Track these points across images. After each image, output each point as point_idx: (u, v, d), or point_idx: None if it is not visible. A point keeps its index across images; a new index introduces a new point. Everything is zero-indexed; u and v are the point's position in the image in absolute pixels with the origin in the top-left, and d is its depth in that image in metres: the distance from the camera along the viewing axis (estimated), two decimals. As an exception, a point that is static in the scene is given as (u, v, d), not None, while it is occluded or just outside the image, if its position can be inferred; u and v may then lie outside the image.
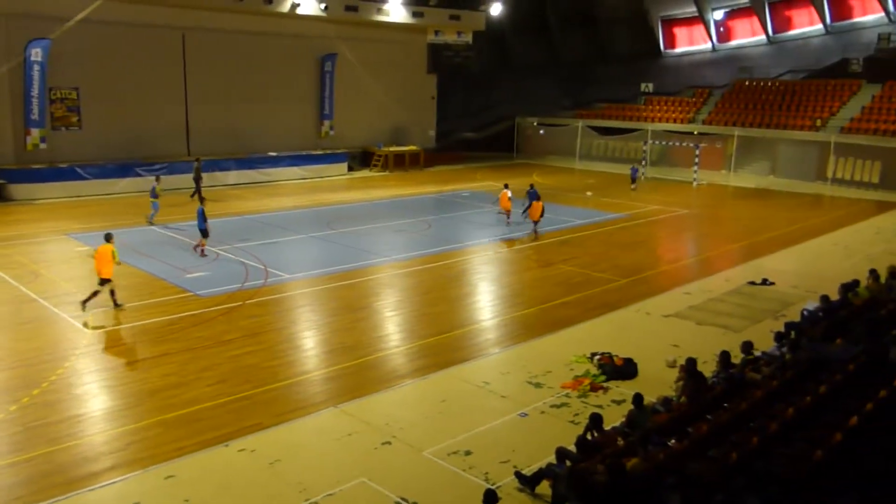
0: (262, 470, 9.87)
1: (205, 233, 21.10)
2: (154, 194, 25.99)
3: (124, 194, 31.44)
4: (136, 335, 14.86)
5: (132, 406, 11.75)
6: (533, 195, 25.97)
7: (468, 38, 45.29)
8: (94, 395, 12.25)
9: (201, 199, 23.52)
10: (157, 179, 27.19)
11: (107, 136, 33.05)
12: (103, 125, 33.06)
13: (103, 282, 16.11)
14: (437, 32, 44.45)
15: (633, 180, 37.05)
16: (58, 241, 22.86)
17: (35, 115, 30.38)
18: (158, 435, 10.78)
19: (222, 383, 12.63)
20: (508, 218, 27.14)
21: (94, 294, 16.06)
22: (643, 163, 42.08)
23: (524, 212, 26.40)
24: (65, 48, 30.37)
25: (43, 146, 30.87)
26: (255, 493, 9.29)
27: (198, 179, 30.91)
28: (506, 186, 27.43)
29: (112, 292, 16.29)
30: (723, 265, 22.03)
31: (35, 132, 30.59)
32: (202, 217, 21.02)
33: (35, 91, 30.12)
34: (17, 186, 29.62)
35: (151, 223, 25.55)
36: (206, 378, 12.83)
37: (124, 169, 32.42)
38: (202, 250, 21.27)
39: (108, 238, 16.42)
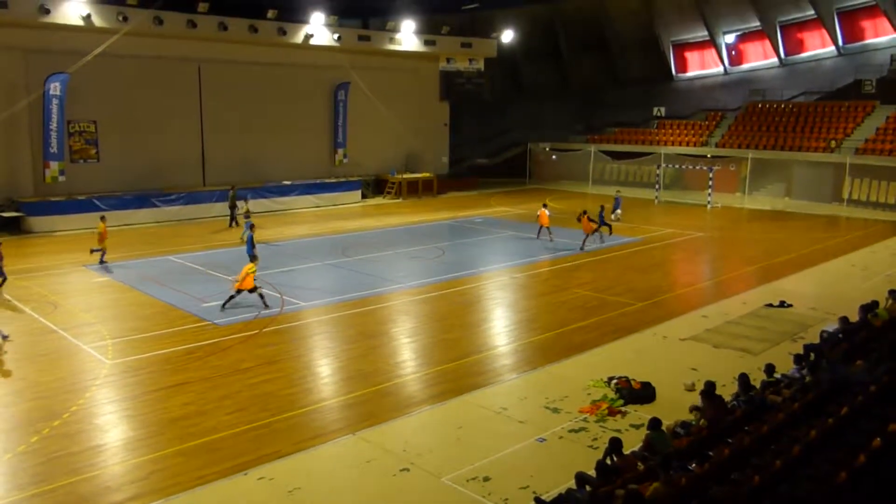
0: (281, 498, 9.87)
1: (252, 258, 21.74)
2: (247, 215, 28.45)
3: (142, 225, 31.80)
4: (155, 364, 14.95)
5: (153, 435, 11.80)
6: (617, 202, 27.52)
7: (480, 65, 45.76)
8: (114, 424, 12.32)
9: (250, 224, 24.60)
10: (246, 200, 29.55)
11: (124, 167, 33.52)
12: (121, 157, 33.55)
13: (247, 291, 18.72)
14: (449, 60, 44.97)
15: (614, 209, 34.10)
16: (76, 272, 23.11)
17: (54, 149, 30.86)
18: (179, 464, 10.82)
19: (241, 411, 12.67)
20: (550, 234, 28.16)
21: (231, 299, 18.66)
22: (657, 187, 42.10)
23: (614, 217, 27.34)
24: (83, 82, 30.94)
25: (62, 179, 31.31)
26: (274, 522, 9.29)
27: (233, 207, 31.62)
28: (545, 206, 28.88)
29: (261, 296, 18.93)
30: (739, 288, 21.93)
31: (54, 165, 31.05)
32: (251, 243, 22.20)
33: (53, 124, 30.62)
34: (37, 219, 30.03)
35: (243, 238, 26.06)
36: (224, 406, 12.88)
37: (141, 200, 32.83)
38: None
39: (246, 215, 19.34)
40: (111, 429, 12.14)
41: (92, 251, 23.96)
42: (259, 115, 38.24)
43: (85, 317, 18.11)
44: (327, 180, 40.63)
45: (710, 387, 11.36)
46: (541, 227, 28.40)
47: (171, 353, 15.60)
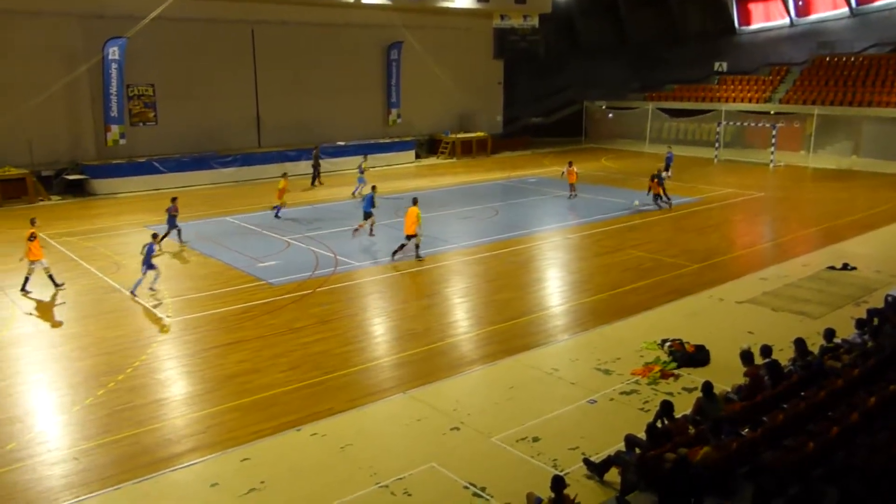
0: (333, 454, 10.09)
1: (366, 215, 22.45)
2: (361, 170, 29.37)
3: (199, 186, 32.44)
4: (212, 322, 15.34)
5: (210, 391, 12.17)
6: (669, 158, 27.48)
7: (534, 21, 44.78)
8: (174, 380, 12.73)
9: (319, 182, 27.04)
10: (365, 158, 30.43)
11: (181, 130, 34.13)
12: (178, 120, 34.13)
13: (409, 238, 19.60)
14: (502, 17, 44.13)
15: (667, 167, 33.55)
16: (137, 233, 23.72)
17: (114, 112, 31.55)
18: (235, 419, 11.14)
19: (294, 369, 12.95)
20: (573, 192, 28.84)
21: (402, 247, 19.80)
22: (717, 145, 41.00)
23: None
24: (140, 46, 31.41)
25: (122, 142, 32.07)
26: (327, 477, 9.51)
27: (316, 166, 32.71)
28: (570, 164, 29.27)
29: (416, 247, 19.90)
30: (800, 249, 21.32)
31: (115, 128, 31.78)
32: (370, 201, 22.54)
33: (114, 89, 31.27)
34: (99, 181, 30.87)
35: (354, 195, 28.83)
36: (279, 364, 13.17)
37: (199, 162, 33.43)
38: (371, 230, 22.66)
39: (415, 201, 20.16)
40: (171, 384, 12.55)
41: (273, 208, 25.59)
42: (312, 77, 38.36)
43: (147, 276, 18.61)
44: (381, 141, 40.69)
45: (765, 351, 11.13)
46: (571, 184, 28.96)
47: (228, 311, 15.98)
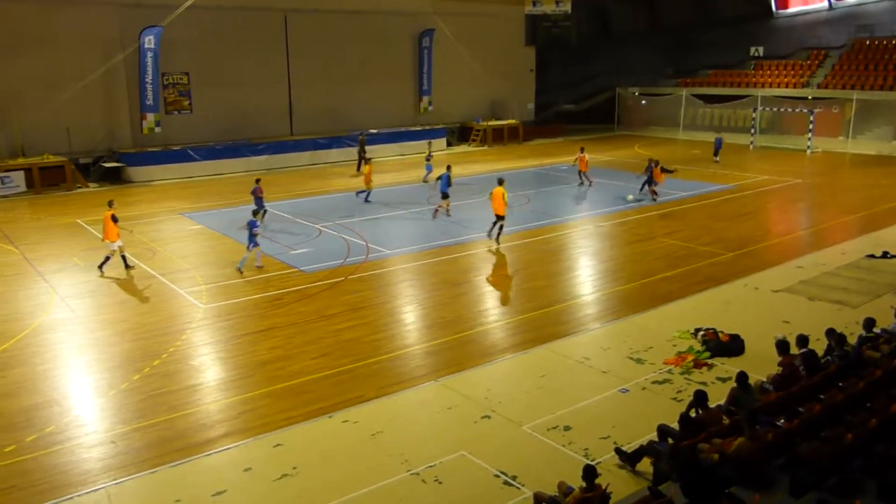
0: (364, 441, 10.15)
1: (444, 195, 23.34)
2: (428, 157, 30.34)
3: (232, 174, 32.73)
4: (245, 309, 15.49)
5: (243, 377, 12.29)
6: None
7: (567, 7, 44.39)
8: (208, 366, 12.89)
9: (361, 167, 27.06)
10: (430, 144, 31.24)
11: (215, 118, 34.45)
12: (212, 108, 34.46)
13: (498, 218, 19.95)
14: (534, 3, 43.84)
15: (716, 152, 34.94)
16: (172, 220, 24.06)
17: (150, 101, 31.92)
18: (267, 405, 11.25)
19: (326, 356, 13.03)
20: (581, 179, 29.12)
21: (494, 225, 20.10)
22: (752, 131, 40.32)
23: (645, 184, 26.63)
24: (175, 35, 31.69)
25: (157, 130, 32.45)
26: (358, 463, 9.56)
27: (361, 152, 33.06)
28: (582, 150, 29.39)
29: (500, 228, 20.12)
30: (839, 237, 20.92)
31: (150, 117, 32.16)
32: (447, 181, 23.35)
33: (149, 77, 31.62)
34: (135, 169, 31.31)
35: (425, 181, 29.63)
36: (310, 351, 13.27)
37: (232, 150, 33.74)
38: (447, 211, 23.56)
39: (500, 182, 20.45)
40: (205, 370, 12.70)
41: (359, 193, 26.49)
42: (344, 64, 38.45)
43: (181, 263, 18.89)
44: (412, 128, 40.69)
45: (802, 341, 10.93)
46: (580, 171, 28.98)
47: (260, 298, 16.12)
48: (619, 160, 32.48)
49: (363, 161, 32.92)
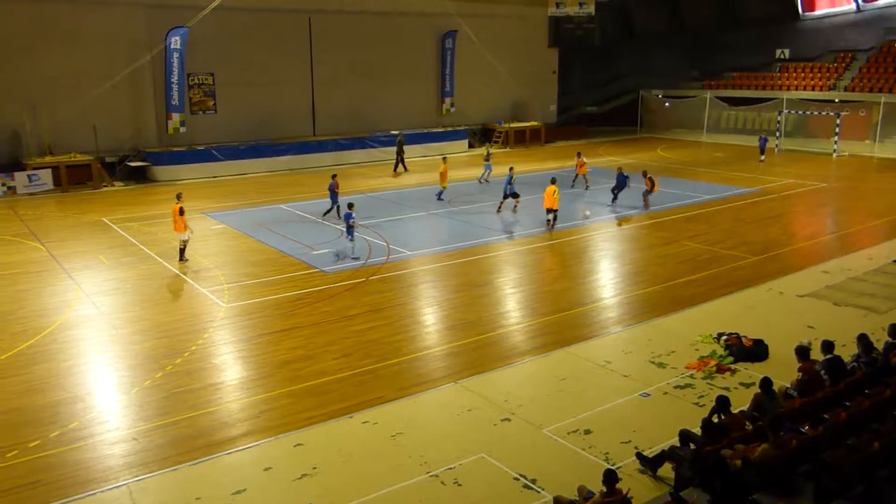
0: (384, 442, 10.15)
1: (514, 195, 24.22)
2: (487, 156, 30.61)
3: (255, 174, 32.95)
4: (266, 309, 15.57)
5: (264, 376, 12.35)
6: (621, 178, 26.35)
7: (590, 9, 44.20)
8: (230, 365, 12.96)
9: (404, 168, 28.21)
10: (489, 145, 31.48)
11: (239, 118, 34.71)
12: (236, 108, 34.71)
13: (549, 211, 22.07)
14: (558, 5, 43.69)
15: (762, 151, 36.18)
16: (196, 219, 24.17)
17: (175, 101, 32.22)
18: (288, 405, 11.30)
19: (347, 357, 13.05)
20: (576, 182, 29.28)
21: (550, 220, 22.21)
22: (777, 135, 39.90)
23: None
24: (201, 35, 31.96)
25: (183, 130, 32.76)
26: (378, 464, 9.57)
27: (400, 153, 33.59)
28: (579, 155, 29.67)
29: (552, 220, 22.22)
30: (865, 242, 20.63)
31: (175, 116, 32.46)
32: (508, 181, 24.09)
33: (175, 77, 31.92)
34: (160, 168, 31.61)
35: (487, 181, 30.07)
36: (331, 352, 13.30)
37: (255, 150, 33.97)
38: (515, 207, 24.53)
39: (553, 181, 22.47)
40: (227, 368, 12.78)
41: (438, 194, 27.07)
42: (367, 66, 38.56)
43: (203, 262, 19.02)
44: (434, 130, 40.73)
45: (827, 347, 10.78)
46: (576, 175, 29.11)
47: (282, 298, 16.19)
48: (642, 163, 32.26)
49: (401, 161, 33.73)
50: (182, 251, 18.92)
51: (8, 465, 9.58)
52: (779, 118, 40.56)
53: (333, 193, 23.31)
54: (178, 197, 19.16)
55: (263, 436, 10.36)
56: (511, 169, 25.12)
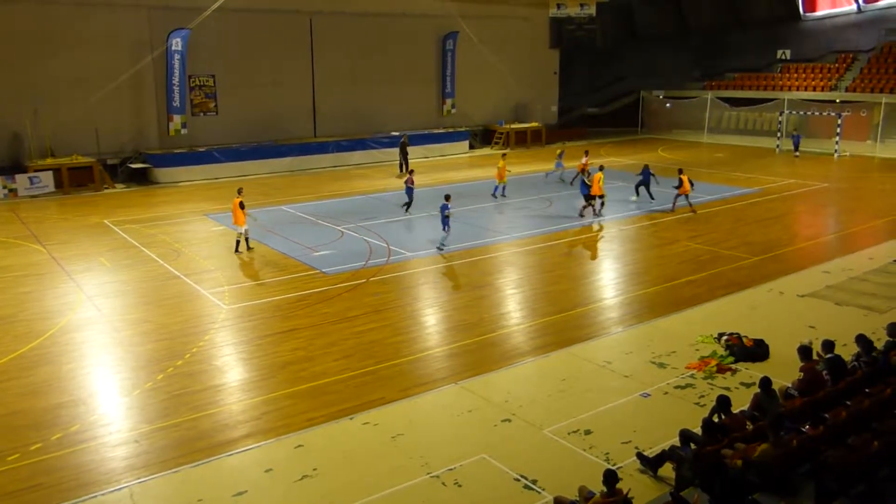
0: (385, 443, 10.16)
1: (588, 197, 23.96)
2: (560, 155, 31.54)
3: (256, 176, 32.97)
4: (267, 310, 15.59)
5: (265, 378, 12.37)
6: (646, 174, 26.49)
7: (591, 10, 44.14)
8: (231, 366, 12.98)
9: (409, 170, 27.31)
10: (563, 144, 32.34)
11: (240, 120, 34.75)
12: (237, 110, 34.76)
13: (597, 197, 23.65)
14: (559, 6, 43.61)
15: (796, 147, 37.79)
16: (197, 221, 24.27)
17: (176, 102, 32.25)
18: (289, 406, 11.31)
19: (347, 358, 13.07)
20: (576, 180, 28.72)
21: (595, 206, 23.69)
22: (778, 135, 39.90)
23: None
24: (202, 37, 32.02)
25: (184, 131, 32.78)
26: (378, 465, 9.58)
27: (405, 154, 33.71)
28: (586, 153, 29.10)
29: (602, 204, 23.91)
30: (866, 242, 20.62)
31: (177, 118, 32.50)
32: (584, 184, 24.23)
33: (176, 79, 31.95)
34: (161, 170, 31.63)
35: (561, 180, 30.58)
36: (332, 353, 13.31)
37: (256, 151, 33.99)
38: (591, 209, 24.15)
39: (601, 168, 24.19)
40: (228, 370, 12.80)
41: (495, 189, 27.30)
42: (368, 67, 38.60)
43: (205, 264, 19.05)
44: (435, 131, 40.75)
45: (827, 346, 10.79)
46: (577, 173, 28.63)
47: (282, 300, 16.21)
48: (641, 163, 32.22)
49: (405, 163, 33.68)
50: (238, 243, 19.87)
51: (10, 469, 9.60)
52: (780, 118, 40.54)
53: (409, 189, 24.57)
54: (240, 191, 20.20)
55: (264, 437, 10.37)
56: (601, 168, 24.72)
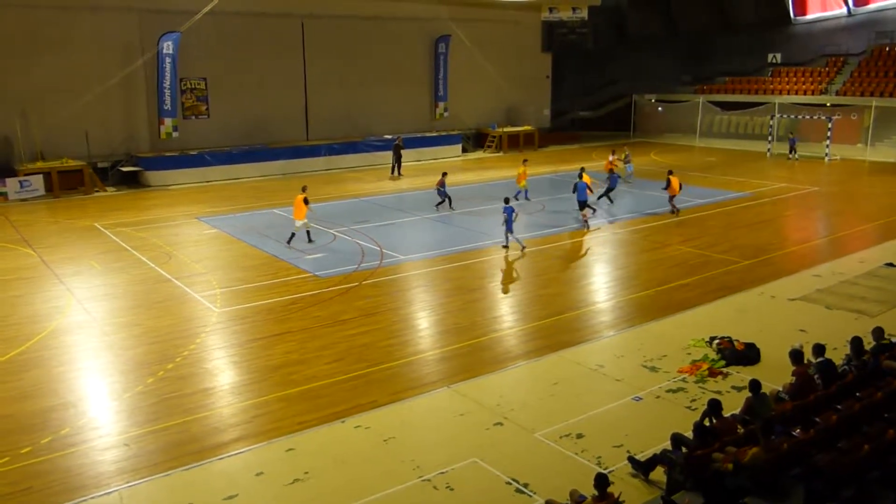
0: (376, 446, 10.14)
1: (582, 205, 23.31)
2: (627, 158, 31.69)
3: (248, 179, 32.92)
4: (259, 314, 15.54)
5: (257, 381, 12.33)
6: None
7: (583, 13, 44.26)
8: (222, 369, 12.93)
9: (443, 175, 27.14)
10: (627, 157, 31.65)
11: (232, 123, 34.71)
12: (228, 113, 34.70)
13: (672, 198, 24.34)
14: (551, 10, 43.73)
15: (792, 150, 38.04)
16: (189, 224, 24.20)
17: (168, 106, 32.16)
18: (281, 409, 11.28)
19: (339, 361, 13.04)
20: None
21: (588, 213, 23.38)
22: (769, 139, 40.09)
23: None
24: (193, 40, 31.95)
25: (175, 135, 32.69)
26: (370, 469, 9.55)
27: (398, 157, 33.85)
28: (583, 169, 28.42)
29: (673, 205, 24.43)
30: (857, 246, 20.73)
31: (168, 121, 32.40)
32: (583, 190, 23.25)
33: (167, 82, 31.86)
34: (153, 173, 31.53)
35: (628, 181, 30.56)
36: (324, 356, 13.28)
37: (248, 155, 33.94)
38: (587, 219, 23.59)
39: (670, 172, 24.69)
40: (219, 373, 12.75)
41: (517, 193, 26.71)
42: (360, 70, 38.60)
43: (196, 267, 18.99)
44: (427, 134, 40.76)
45: (818, 349, 10.82)
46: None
47: (275, 303, 16.17)
48: (634, 167, 32.33)
49: (398, 166, 33.94)
50: (293, 236, 20.93)
51: (0, 472, 9.54)
52: (771, 122, 40.73)
53: (440, 191, 25.74)
54: (304, 189, 21.49)
55: (255, 441, 10.33)
56: (670, 173, 24.84)
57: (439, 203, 25.92)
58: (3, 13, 28.87)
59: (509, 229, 20.04)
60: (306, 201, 20.67)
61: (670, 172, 24.93)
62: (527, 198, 27.10)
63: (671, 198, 24.60)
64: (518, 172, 27.32)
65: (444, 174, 26.46)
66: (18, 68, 29.25)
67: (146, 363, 13.01)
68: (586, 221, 23.21)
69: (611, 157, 29.19)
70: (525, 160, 28.71)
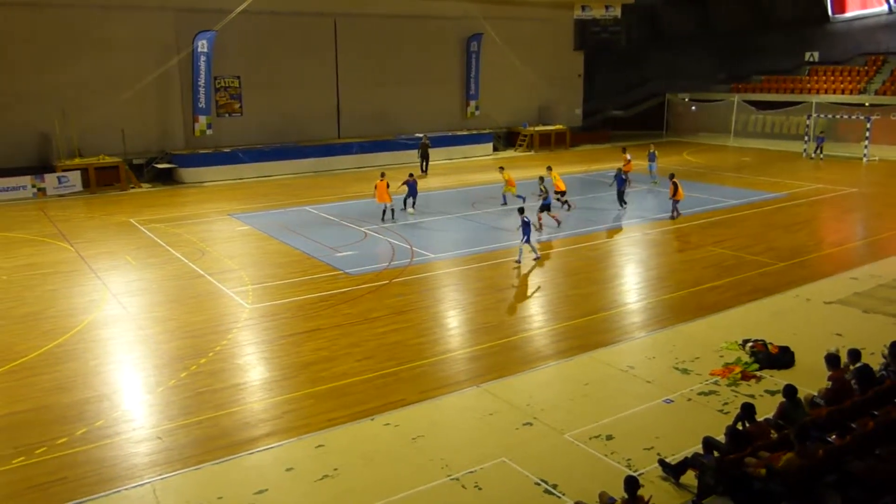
0: (405, 445, 10.16)
1: (622, 196, 25.13)
2: (652, 156, 31.40)
3: (281, 176, 33.18)
4: (290, 310, 15.66)
5: (287, 377, 12.42)
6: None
7: (617, 11, 43.88)
8: (253, 365, 13.05)
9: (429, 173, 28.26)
10: (652, 154, 31.50)
11: (265, 121, 35.03)
12: (262, 111, 35.04)
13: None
14: (584, 8, 43.38)
15: (819, 149, 37.79)
16: (222, 220, 24.46)
17: (202, 104, 32.56)
18: (310, 406, 11.35)
19: (369, 359, 13.09)
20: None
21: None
22: (805, 139, 39.44)
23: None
24: (227, 39, 32.32)
25: (209, 132, 33.09)
26: (399, 467, 9.58)
27: (425, 155, 34.12)
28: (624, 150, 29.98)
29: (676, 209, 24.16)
30: (895, 249, 20.29)
31: (202, 119, 32.81)
32: (621, 181, 25.06)
33: (202, 80, 32.25)
34: (187, 170, 31.94)
35: (655, 182, 30.26)
36: (354, 354, 13.34)
37: (280, 152, 34.23)
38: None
39: (672, 176, 24.40)
40: (250, 369, 12.87)
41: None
42: (392, 69, 38.72)
43: (229, 263, 19.19)
44: (459, 133, 40.76)
45: (854, 355, 10.62)
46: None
47: (305, 300, 16.27)
48: (667, 167, 32.02)
49: (426, 165, 34.11)
50: (385, 212, 23.60)
51: (37, 462, 9.73)
52: (808, 122, 40.07)
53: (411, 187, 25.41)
54: (382, 175, 24.06)
55: (285, 436, 10.41)
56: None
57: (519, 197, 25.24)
58: (41, 13, 29.43)
59: (527, 241, 18.87)
60: (388, 185, 23.27)
61: (672, 177, 24.58)
62: (504, 202, 26.64)
63: (676, 202, 24.22)
64: (504, 179, 26.64)
65: (502, 168, 27.15)
66: (57, 67, 29.83)
67: (179, 358, 13.17)
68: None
69: (628, 157, 28.75)
70: (501, 167, 27.79)
